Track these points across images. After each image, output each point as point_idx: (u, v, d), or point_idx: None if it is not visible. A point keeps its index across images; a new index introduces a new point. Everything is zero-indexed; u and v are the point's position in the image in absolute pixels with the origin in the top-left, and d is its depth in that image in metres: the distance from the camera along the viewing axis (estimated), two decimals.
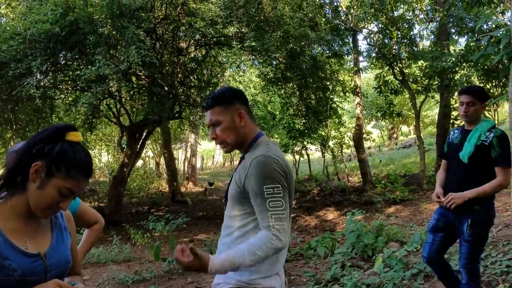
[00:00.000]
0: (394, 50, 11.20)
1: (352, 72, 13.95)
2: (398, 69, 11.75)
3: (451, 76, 10.35)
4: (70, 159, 1.26)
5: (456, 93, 11.53)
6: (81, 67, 8.34)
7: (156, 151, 21.79)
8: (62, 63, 9.32)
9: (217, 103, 1.78)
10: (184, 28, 9.22)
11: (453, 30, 10.84)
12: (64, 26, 7.04)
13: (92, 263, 6.58)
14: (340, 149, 15.83)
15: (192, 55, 10.97)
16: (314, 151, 20.11)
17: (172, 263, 5.58)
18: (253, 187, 1.68)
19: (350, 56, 13.69)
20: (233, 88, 1.96)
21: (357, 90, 13.19)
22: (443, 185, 3.04)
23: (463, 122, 3.03)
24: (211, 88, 11.16)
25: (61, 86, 10.25)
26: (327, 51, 11.39)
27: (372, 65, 13.49)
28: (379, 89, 12.78)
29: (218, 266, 1.62)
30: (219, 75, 12.18)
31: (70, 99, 11.36)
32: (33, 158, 1.25)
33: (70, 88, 10.42)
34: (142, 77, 9.42)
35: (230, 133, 1.79)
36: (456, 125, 10.64)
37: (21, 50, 7.20)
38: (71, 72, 9.82)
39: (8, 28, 7.98)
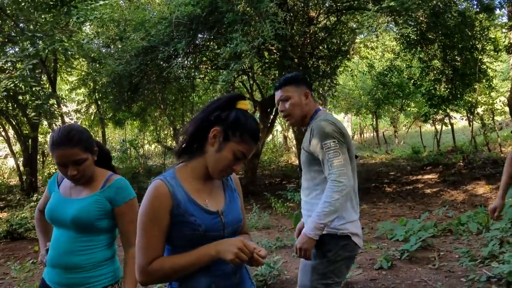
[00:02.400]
0: None
1: (506, 27, 11.93)
2: None
3: None
4: (243, 125, 1.35)
5: None
6: (218, 46, 8.77)
7: (284, 125, 22.28)
8: (202, 44, 9.95)
9: (289, 83, 2.23)
10: None
11: None
12: (204, 6, 7.45)
13: None
14: (491, 116, 13.94)
15: (322, 23, 10.66)
16: (458, 120, 18.12)
17: None
18: (316, 146, 2.08)
19: (503, 9, 11.69)
20: (300, 74, 2.36)
21: None
22: (510, 180, 2.59)
23: None
24: (341, 57, 10.75)
25: (201, 66, 11.02)
26: (476, 6, 9.91)
27: None
28: None
29: (313, 235, 2.00)
30: (349, 43, 11.65)
31: (207, 78, 12.18)
32: (211, 124, 1.36)
33: (208, 68, 11.14)
34: (274, 51, 9.52)
35: (297, 108, 2.21)
36: None
37: (167, 34, 7.86)
38: (208, 52, 10.45)
39: (155, 13, 8.76)
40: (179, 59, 7.99)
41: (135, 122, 15.79)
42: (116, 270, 1.88)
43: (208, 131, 1.36)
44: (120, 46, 9.52)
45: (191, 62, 10.67)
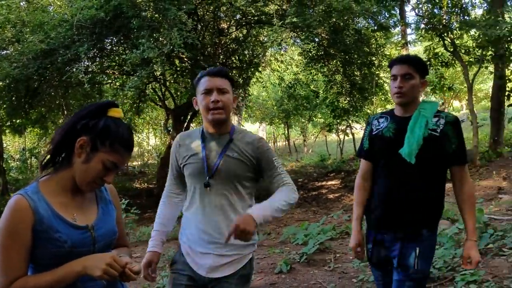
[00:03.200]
0: (444, 20, 10.54)
1: (399, 45, 13.32)
2: (449, 40, 11.05)
3: (506, 45, 9.62)
4: (113, 134, 1.30)
5: None
6: (126, 51, 8.55)
7: None
8: (108, 48, 9.60)
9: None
10: (224, 8, 9.17)
11: None
12: (109, 11, 7.20)
13: (143, 241, 6.85)
14: None
15: (233, 35, 10.91)
16: (359, 130, 19.67)
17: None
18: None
19: (397, 28, 13.07)
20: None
21: None
22: (363, 211, 2.21)
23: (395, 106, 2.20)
24: (252, 69, 11.09)
25: (108, 71, 10.60)
26: (373, 24, 10.92)
27: (421, 37, 12.79)
28: (429, 62, 12.10)
29: (260, 222, 1.73)
30: (260, 55, 12.07)
31: (117, 84, 11.74)
32: (78, 133, 1.29)
33: (117, 73, 10.74)
34: (185, 59, 9.51)
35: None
36: None
37: (68, 37, 7.46)
38: (117, 57, 10.11)
39: (56, 15, 8.28)
40: (82, 63, 7.60)
41: (35, 129, 14.62)
42: None
43: (74, 141, 1.28)
44: (18, 49, 8.83)
45: (98, 66, 10.23)
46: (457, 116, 2.11)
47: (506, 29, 8.58)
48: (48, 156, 1.32)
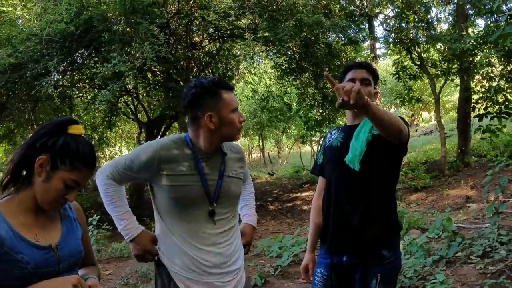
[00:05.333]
0: (411, 35, 10.93)
1: (369, 58, 13.67)
2: (416, 53, 11.47)
3: (470, 58, 10.05)
4: (73, 152, 1.28)
5: (476, 76, 11.21)
6: (97, 65, 8.47)
7: None
8: (79, 62, 9.48)
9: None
10: (197, 22, 9.22)
11: (471, 12, 10.50)
12: (79, 25, 7.14)
13: (115, 257, 6.70)
14: None
15: (206, 49, 10.97)
16: None
17: None
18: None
19: (366, 42, 13.41)
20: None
21: None
22: (318, 231, 2.05)
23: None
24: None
25: (79, 85, 10.44)
26: (343, 38, 11.18)
27: (389, 51, 13.20)
28: (397, 75, 12.50)
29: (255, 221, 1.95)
30: (234, 68, 12.15)
31: (88, 97, 11.55)
32: (37, 152, 1.27)
33: (88, 87, 10.59)
34: (157, 73, 9.48)
35: None
36: (477, 110, 10.34)
37: (37, 51, 7.34)
38: (88, 71, 9.97)
39: (24, 29, 8.14)
40: (51, 77, 7.47)
41: (2, 145, 14.15)
42: None
43: (34, 160, 1.26)
44: None
45: (68, 80, 10.05)
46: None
47: (470, 43, 8.98)
48: (8, 177, 1.30)
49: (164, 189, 1.68)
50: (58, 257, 1.31)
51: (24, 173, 1.31)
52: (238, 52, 11.79)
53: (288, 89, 12.34)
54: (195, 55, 10.42)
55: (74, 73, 9.88)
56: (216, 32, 9.80)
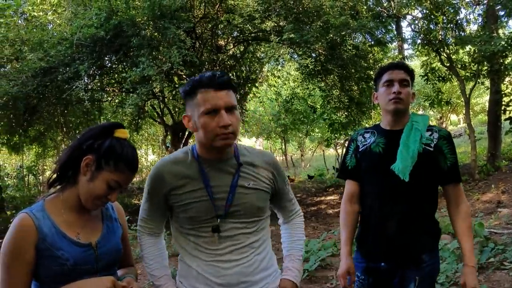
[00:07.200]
0: (440, 36, 10.69)
1: (397, 60, 13.47)
2: (445, 55, 11.20)
3: (501, 60, 9.77)
4: (118, 154, 1.33)
5: (507, 78, 10.88)
6: (126, 69, 8.62)
7: None
8: (108, 66, 9.67)
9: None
10: (222, 25, 9.28)
11: (501, 13, 10.23)
12: (109, 29, 7.28)
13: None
14: None
15: (231, 52, 11.03)
16: None
17: None
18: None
19: (394, 43, 13.21)
20: None
21: None
22: (352, 233, 2.00)
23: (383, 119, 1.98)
24: (249, 85, 11.16)
25: (107, 89, 10.65)
26: (370, 40, 11.05)
27: (417, 52, 12.95)
28: (426, 77, 12.26)
29: (299, 276, 1.65)
30: (257, 71, 12.17)
31: (116, 101, 11.79)
32: (84, 153, 1.32)
33: (116, 91, 10.80)
34: (183, 76, 9.59)
35: None
36: (508, 112, 10.03)
37: (68, 55, 7.52)
38: (116, 75, 10.17)
39: (55, 33, 8.36)
40: (82, 80, 7.65)
41: (33, 147, 14.61)
42: None
43: (80, 160, 1.32)
44: (16, 66, 8.90)
45: (98, 84, 10.29)
46: (447, 130, 2.00)
47: (500, 44, 8.73)
48: (55, 175, 1.35)
49: (181, 212, 1.52)
50: (96, 255, 1.35)
51: (70, 173, 1.36)
52: (262, 55, 11.82)
53: (313, 91, 12.26)
54: (220, 58, 10.51)
55: (103, 77, 10.09)
56: (241, 35, 9.85)
